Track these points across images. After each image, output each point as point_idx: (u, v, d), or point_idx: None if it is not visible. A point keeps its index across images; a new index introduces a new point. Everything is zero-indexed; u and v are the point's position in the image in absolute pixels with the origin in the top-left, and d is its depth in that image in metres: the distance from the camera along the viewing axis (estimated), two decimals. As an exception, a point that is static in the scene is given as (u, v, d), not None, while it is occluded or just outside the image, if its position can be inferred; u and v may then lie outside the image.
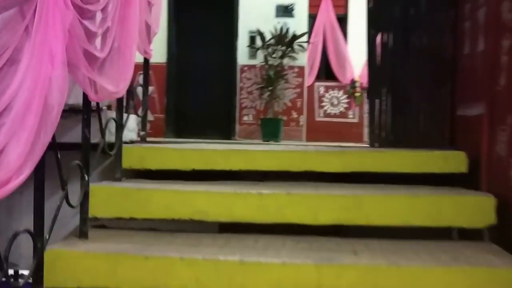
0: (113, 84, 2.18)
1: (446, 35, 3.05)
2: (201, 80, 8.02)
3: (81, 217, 2.13)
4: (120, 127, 2.51)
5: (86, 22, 1.98)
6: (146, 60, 2.94)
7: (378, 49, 3.15)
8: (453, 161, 2.55)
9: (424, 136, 3.08)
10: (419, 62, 3.11)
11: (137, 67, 3.02)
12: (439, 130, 3.05)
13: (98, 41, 2.18)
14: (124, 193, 2.30)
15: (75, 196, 2.14)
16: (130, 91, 2.75)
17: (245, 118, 7.96)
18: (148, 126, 7.87)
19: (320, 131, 8.80)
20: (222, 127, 7.93)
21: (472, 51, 2.77)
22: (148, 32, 2.75)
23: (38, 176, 1.75)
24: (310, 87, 8.95)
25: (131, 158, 2.67)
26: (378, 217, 2.19)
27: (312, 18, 9.05)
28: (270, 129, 7.36)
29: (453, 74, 3.04)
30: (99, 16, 2.11)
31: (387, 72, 3.13)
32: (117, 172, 2.54)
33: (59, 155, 1.87)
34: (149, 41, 2.80)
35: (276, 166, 2.65)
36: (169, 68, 7.91)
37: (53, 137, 1.78)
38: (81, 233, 2.12)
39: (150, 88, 8.16)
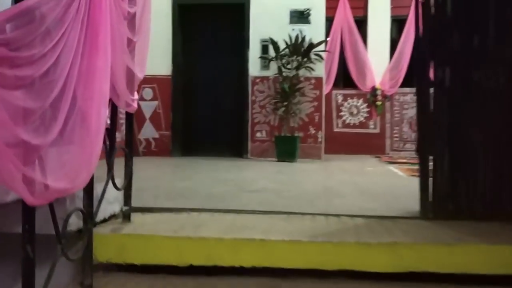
0: (68, 177, 1.49)
1: (522, 72, 2.34)
2: (210, 94, 7.31)
3: None
4: (90, 218, 1.83)
5: (17, 94, 1.30)
6: (129, 115, 2.22)
7: (431, 89, 2.43)
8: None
9: (493, 205, 2.37)
10: (485, 106, 2.40)
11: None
12: (514, 197, 2.34)
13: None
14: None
15: None
16: (110, 153, 2.07)
17: (258, 134, 7.24)
18: (152, 144, 7.32)
19: (338, 143, 8.09)
20: (232, 144, 7.21)
21: None
22: (131, 80, 2.05)
23: None
24: (328, 96, 8.22)
25: (109, 249, 2.01)
26: None
27: (329, 21, 8.30)
28: (285, 148, 6.64)
29: (533, 124, 2.33)
30: (42, 80, 1.43)
31: (443, 120, 2.43)
32: (87, 277, 1.87)
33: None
34: (132, 91, 2.09)
35: (302, 263, 1.96)
36: (174, 81, 7.19)
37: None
38: None
39: (155, 103, 7.57)
